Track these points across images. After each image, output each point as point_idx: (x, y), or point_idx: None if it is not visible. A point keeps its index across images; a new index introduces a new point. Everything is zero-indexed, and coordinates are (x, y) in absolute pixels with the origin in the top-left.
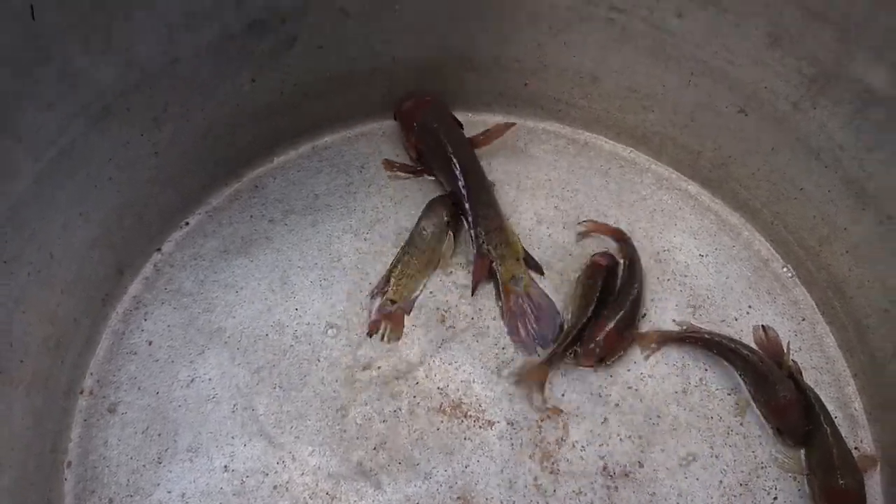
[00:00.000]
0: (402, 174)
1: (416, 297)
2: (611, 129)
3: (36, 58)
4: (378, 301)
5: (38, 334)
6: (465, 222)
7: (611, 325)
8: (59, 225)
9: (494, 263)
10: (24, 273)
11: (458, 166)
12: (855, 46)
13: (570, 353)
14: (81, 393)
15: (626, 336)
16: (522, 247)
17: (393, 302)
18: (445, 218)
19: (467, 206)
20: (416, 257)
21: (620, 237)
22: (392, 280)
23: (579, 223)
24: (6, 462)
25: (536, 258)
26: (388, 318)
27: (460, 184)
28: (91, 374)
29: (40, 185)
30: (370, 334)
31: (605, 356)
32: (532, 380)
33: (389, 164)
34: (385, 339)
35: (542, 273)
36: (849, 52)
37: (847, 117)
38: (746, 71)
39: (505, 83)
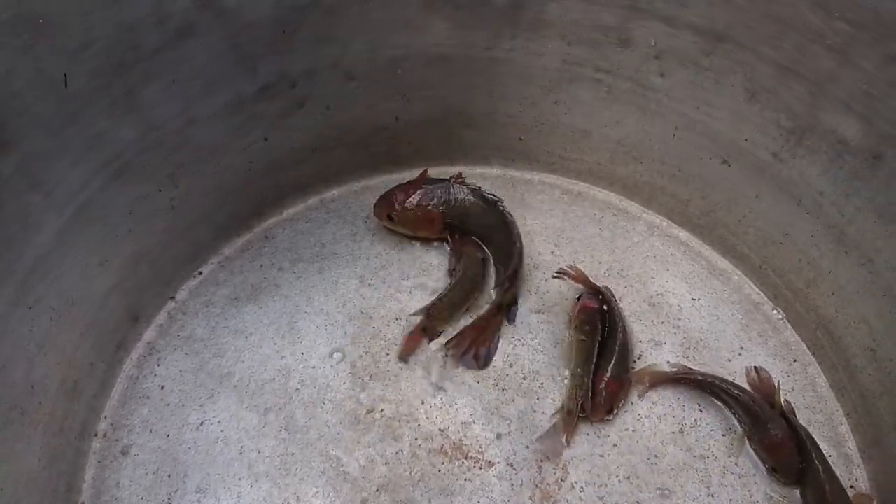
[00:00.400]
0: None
1: (443, 330)
2: (603, 179)
3: (65, 121)
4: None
5: (57, 377)
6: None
7: (607, 374)
8: (79, 273)
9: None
10: (47, 318)
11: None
12: (825, 100)
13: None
14: (96, 435)
15: (624, 381)
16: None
17: (424, 330)
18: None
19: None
20: (458, 294)
21: (596, 290)
22: (433, 310)
23: (559, 269)
24: (24, 500)
25: (534, 303)
26: (409, 338)
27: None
28: (105, 417)
29: (62, 236)
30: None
31: (613, 405)
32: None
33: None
34: (397, 355)
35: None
36: (820, 106)
37: (824, 166)
38: (727, 124)
39: (501, 138)
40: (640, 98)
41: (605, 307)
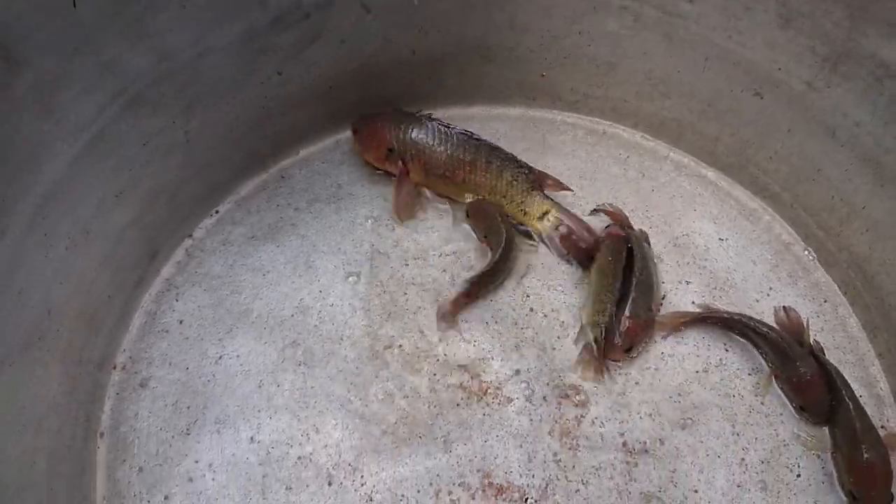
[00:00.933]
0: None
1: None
2: (628, 117)
3: (76, 46)
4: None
5: (74, 306)
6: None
7: (626, 313)
8: (94, 204)
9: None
10: (62, 246)
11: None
12: (866, 22)
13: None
14: (115, 368)
15: (645, 320)
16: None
17: (467, 296)
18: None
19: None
20: (499, 269)
21: (627, 224)
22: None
23: (597, 206)
24: (44, 425)
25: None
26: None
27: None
28: (124, 350)
29: (76, 164)
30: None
31: (632, 344)
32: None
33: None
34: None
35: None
36: (860, 29)
37: (861, 94)
38: (759, 53)
39: (522, 74)
40: (668, 26)
41: (630, 247)
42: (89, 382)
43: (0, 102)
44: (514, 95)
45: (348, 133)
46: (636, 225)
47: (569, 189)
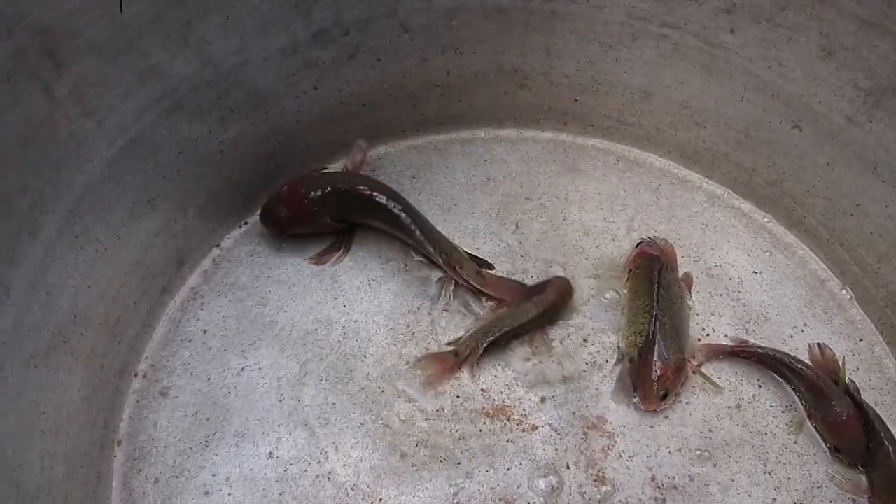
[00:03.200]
0: (334, 251)
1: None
2: (661, 146)
3: (119, 49)
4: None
5: (100, 311)
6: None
7: (655, 356)
8: (127, 209)
9: (458, 269)
10: (93, 249)
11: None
12: None
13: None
14: (136, 375)
15: (676, 365)
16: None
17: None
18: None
19: (420, 238)
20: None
21: (672, 266)
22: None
23: (649, 238)
24: (63, 429)
25: (585, 267)
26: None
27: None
28: (146, 357)
29: (112, 168)
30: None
31: (667, 393)
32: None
33: (315, 259)
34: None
35: (492, 267)
36: None
37: None
38: (800, 85)
39: (556, 99)
40: (708, 56)
41: (661, 267)
42: (109, 389)
43: (43, 100)
44: (546, 119)
45: (378, 150)
46: (694, 271)
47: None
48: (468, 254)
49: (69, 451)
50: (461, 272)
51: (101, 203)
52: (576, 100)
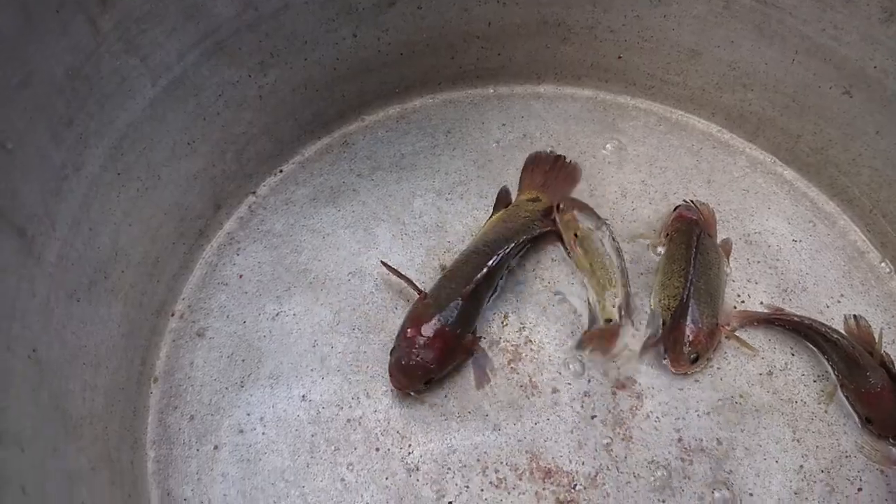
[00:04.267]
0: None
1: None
2: (705, 108)
3: None
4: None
5: (140, 249)
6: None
7: (689, 320)
8: (168, 149)
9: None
10: (134, 188)
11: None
12: None
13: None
14: (173, 315)
15: (709, 330)
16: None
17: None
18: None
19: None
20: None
21: (712, 231)
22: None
23: (688, 201)
24: (103, 363)
25: (619, 230)
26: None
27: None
28: (183, 298)
29: (155, 106)
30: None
31: (698, 357)
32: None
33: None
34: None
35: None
36: None
37: None
38: (855, 49)
39: (599, 55)
40: (761, 16)
41: (699, 232)
42: (147, 327)
43: (88, 36)
44: (587, 76)
45: (414, 103)
46: (733, 237)
47: None
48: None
49: (108, 384)
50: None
51: (142, 142)
52: (619, 56)
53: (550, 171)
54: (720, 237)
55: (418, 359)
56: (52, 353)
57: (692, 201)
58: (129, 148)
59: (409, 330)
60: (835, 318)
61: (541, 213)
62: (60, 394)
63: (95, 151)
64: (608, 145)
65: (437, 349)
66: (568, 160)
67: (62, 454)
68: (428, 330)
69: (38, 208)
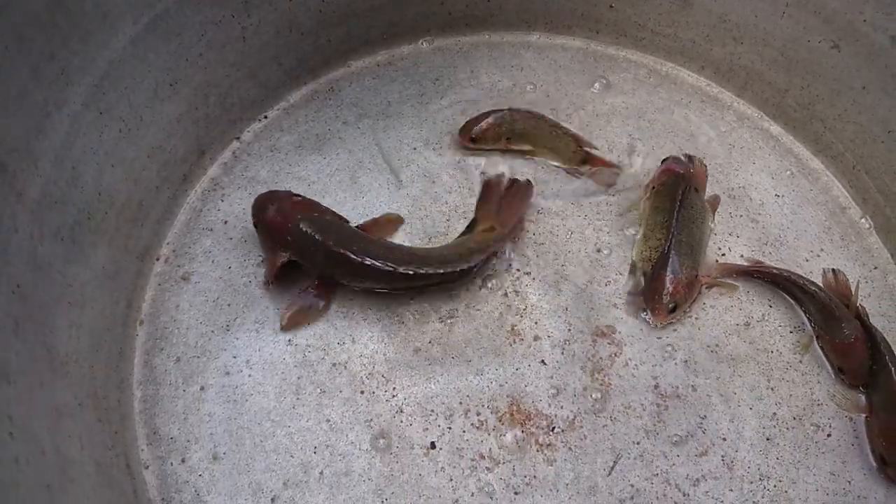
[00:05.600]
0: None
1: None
2: (695, 61)
3: None
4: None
5: (123, 192)
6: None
7: (669, 270)
8: (150, 90)
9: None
10: (116, 128)
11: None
12: None
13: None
14: (158, 259)
15: (688, 281)
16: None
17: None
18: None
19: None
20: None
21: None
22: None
23: (681, 155)
24: (88, 303)
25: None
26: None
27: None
28: (168, 243)
29: (136, 45)
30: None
31: (676, 307)
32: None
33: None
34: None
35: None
36: None
37: None
38: (845, 1)
39: (590, 4)
40: None
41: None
42: (132, 270)
43: None
44: (577, 26)
45: (402, 50)
46: (716, 190)
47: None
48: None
49: (94, 324)
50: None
51: (124, 81)
52: (611, 6)
53: (503, 198)
54: (709, 193)
55: None
56: (36, 290)
57: (688, 155)
58: (110, 87)
59: None
60: (814, 272)
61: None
62: (46, 330)
63: (77, 89)
64: (597, 97)
65: None
66: (521, 180)
67: (49, 388)
68: None
69: (20, 143)
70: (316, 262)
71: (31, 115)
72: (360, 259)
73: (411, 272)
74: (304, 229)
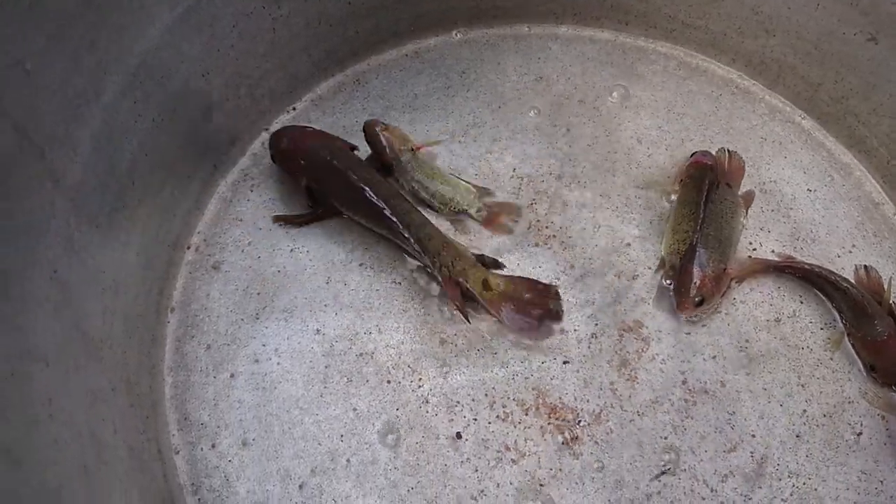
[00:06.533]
0: (296, 224)
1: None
2: (726, 53)
3: None
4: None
5: (156, 180)
6: (410, 255)
7: (696, 263)
8: (183, 80)
9: (461, 281)
10: (150, 118)
11: (377, 199)
12: None
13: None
14: (188, 248)
15: (715, 275)
16: (470, 251)
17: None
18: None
19: (406, 235)
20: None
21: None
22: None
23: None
24: (122, 289)
25: (634, 176)
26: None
27: (388, 218)
28: (199, 232)
29: (171, 33)
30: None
31: (703, 300)
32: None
33: (280, 218)
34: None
35: (501, 267)
36: None
37: None
38: None
39: None
40: None
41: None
42: (164, 258)
43: None
44: (607, 18)
45: (429, 42)
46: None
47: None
48: (478, 254)
49: (127, 310)
50: (465, 284)
51: (159, 70)
52: None
53: (531, 292)
54: (744, 188)
55: None
56: (72, 276)
57: (727, 150)
58: (146, 76)
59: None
60: (846, 268)
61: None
62: (81, 315)
63: (115, 78)
64: (625, 89)
65: None
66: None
67: (84, 372)
68: None
69: (59, 131)
70: (324, 184)
71: (71, 103)
72: (358, 185)
73: (394, 221)
74: (315, 152)
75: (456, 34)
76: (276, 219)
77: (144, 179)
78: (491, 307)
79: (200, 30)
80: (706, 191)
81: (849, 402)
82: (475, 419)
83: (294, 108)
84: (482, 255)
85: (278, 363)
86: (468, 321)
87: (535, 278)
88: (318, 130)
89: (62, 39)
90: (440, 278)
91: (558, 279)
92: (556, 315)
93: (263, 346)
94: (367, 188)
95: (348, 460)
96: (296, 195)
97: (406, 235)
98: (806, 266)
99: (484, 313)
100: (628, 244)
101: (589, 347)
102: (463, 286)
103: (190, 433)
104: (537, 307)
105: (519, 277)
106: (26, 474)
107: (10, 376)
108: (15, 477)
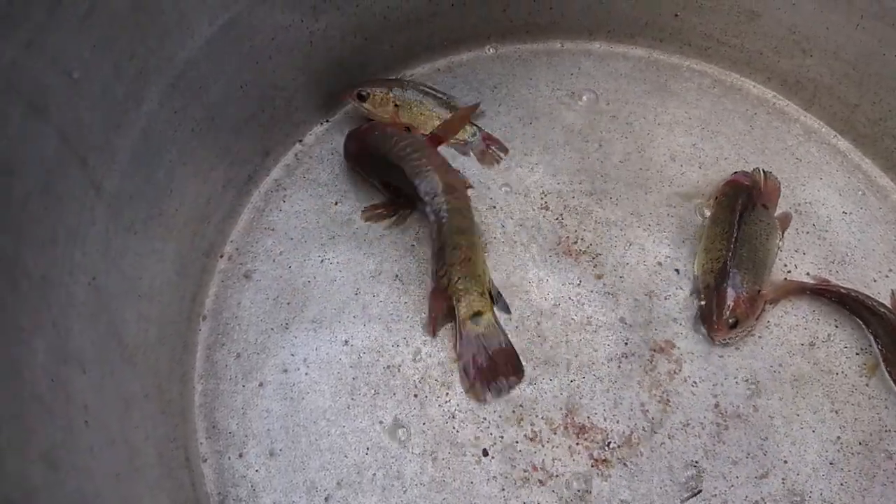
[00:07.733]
0: (385, 214)
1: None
2: (761, 72)
3: None
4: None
5: (192, 189)
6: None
7: (729, 285)
8: (221, 91)
9: (453, 299)
10: (188, 128)
11: (418, 181)
12: None
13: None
14: (221, 256)
15: (749, 297)
16: (491, 281)
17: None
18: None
19: (436, 228)
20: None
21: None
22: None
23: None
24: (157, 297)
25: (665, 194)
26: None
27: (427, 208)
28: (231, 241)
29: (211, 46)
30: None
31: (737, 322)
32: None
33: (367, 211)
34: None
35: (508, 313)
36: None
37: None
38: None
39: (654, 13)
40: None
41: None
42: (198, 266)
43: None
44: (641, 35)
45: (461, 57)
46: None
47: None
48: (495, 290)
49: (161, 317)
50: (454, 303)
51: (198, 81)
52: (676, 15)
53: (490, 352)
54: (780, 210)
55: None
56: (109, 282)
57: (763, 171)
58: (185, 86)
59: None
60: (882, 293)
61: None
62: (117, 322)
63: (154, 88)
64: (658, 106)
65: None
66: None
67: (118, 379)
68: None
69: (101, 139)
70: (380, 172)
71: (112, 112)
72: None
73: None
74: (370, 143)
75: (489, 49)
76: (365, 214)
77: (181, 188)
78: (461, 338)
79: (240, 42)
80: (740, 211)
81: (886, 431)
82: (502, 437)
83: (328, 121)
84: (499, 292)
85: (306, 373)
86: (433, 335)
87: (519, 354)
88: (374, 124)
89: (106, 48)
90: (434, 284)
91: (588, 297)
92: (496, 392)
93: (292, 355)
94: (418, 182)
95: (374, 474)
96: (330, 208)
97: (435, 237)
98: (842, 290)
99: (515, 331)
100: (659, 263)
101: (619, 367)
102: (451, 304)
103: (218, 442)
104: (496, 374)
105: (507, 340)
106: (63, 480)
107: (51, 382)
108: (54, 482)
